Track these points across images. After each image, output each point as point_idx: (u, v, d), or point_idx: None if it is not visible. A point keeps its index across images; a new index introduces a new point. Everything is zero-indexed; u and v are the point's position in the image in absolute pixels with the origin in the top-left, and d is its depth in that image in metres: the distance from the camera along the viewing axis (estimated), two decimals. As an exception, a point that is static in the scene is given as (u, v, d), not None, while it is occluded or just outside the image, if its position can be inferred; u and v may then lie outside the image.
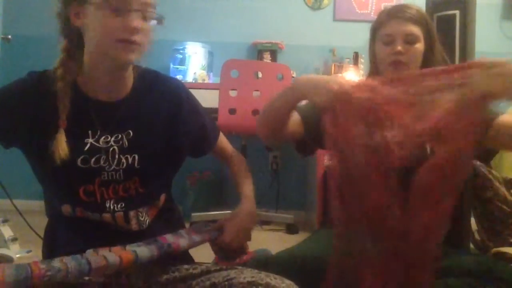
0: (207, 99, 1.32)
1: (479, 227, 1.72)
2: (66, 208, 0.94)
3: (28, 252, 1.93)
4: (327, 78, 1.04)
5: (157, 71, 1.08)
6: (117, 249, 0.85)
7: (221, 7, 3.36)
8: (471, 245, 1.70)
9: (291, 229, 2.73)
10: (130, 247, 0.85)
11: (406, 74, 1.12)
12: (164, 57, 3.14)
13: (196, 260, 1.05)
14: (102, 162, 0.93)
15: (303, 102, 1.18)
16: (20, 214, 1.79)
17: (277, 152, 3.17)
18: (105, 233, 0.93)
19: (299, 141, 1.29)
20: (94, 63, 0.94)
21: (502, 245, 1.51)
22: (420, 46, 1.27)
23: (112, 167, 0.94)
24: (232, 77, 2.63)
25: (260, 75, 2.71)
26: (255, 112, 2.53)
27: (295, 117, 1.24)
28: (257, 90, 2.63)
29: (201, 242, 0.98)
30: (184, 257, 1.03)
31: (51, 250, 1.00)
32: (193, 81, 3.05)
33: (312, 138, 1.24)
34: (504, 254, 1.36)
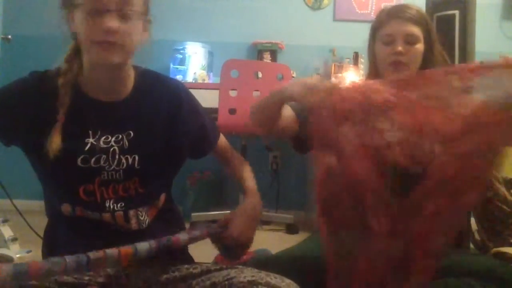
0: (207, 99, 1.32)
1: (479, 227, 1.72)
2: (66, 207, 0.94)
3: (28, 252, 1.93)
4: (315, 80, 1.04)
5: (157, 72, 1.08)
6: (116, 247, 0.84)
7: (221, 7, 3.36)
8: (471, 245, 1.70)
9: (291, 229, 2.73)
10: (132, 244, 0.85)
11: (407, 76, 1.11)
12: (164, 57, 3.14)
13: (196, 260, 1.05)
14: (102, 162, 0.93)
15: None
16: (20, 214, 1.79)
17: (277, 152, 3.17)
18: (105, 233, 0.93)
19: (295, 139, 1.30)
20: (89, 65, 0.95)
21: (502, 245, 1.51)
22: (420, 46, 1.27)
23: (112, 167, 0.94)
24: (232, 77, 2.63)
25: (260, 75, 2.72)
26: (255, 112, 2.52)
27: (289, 113, 1.25)
28: (257, 90, 2.63)
29: (202, 237, 0.97)
30: (184, 257, 1.03)
31: (51, 250, 1.00)
32: (193, 81, 3.05)
33: (306, 134, 1.25)
34: (504, 254, 1.35)
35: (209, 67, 3.19)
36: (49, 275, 0.74)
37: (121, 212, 0.94)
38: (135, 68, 1.03)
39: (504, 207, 1.65)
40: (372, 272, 0.93)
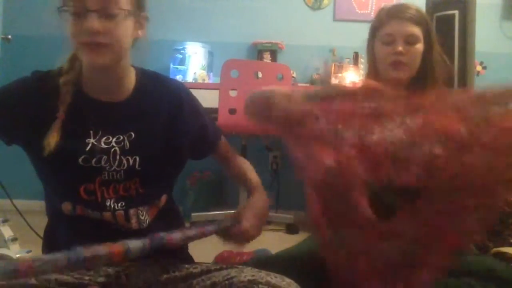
0: (207, 99, 1.32)
1: (479, 227, 1.72)
2: (66, 206, 0.94)
3: (28, 252, 1.93)
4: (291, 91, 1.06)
5: (157, 73, 1.08)
6: (109, 243, 0.80)
7: (221, 7, 3.36)
8: (471, 245, 1.70)
9: (291, 229, 2.73)
10: (125, 241, 0.81)
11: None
12: (164, 57, 3.14)
13: (196, 260, 1.05)
14: (103, 162, 0.93)
15: None
16: (20, 214, 1.79)
17: (277, 152, 3.17)
18: (105, 232, 0.93)
19: None
20: (83, 65, 0.96)
21: (502, 245, 1.51)
22: (420, 46, 1.28)
23: (113, 168, 0.94)
24: (232, 77, 2.63)
25: (260, 75, 2.72)
26: (255, 112, 2.52)
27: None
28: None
29: (197, 236, 0.93)
30: (184, 256, 1.03)
31: (51, 250, 1.00)
32: (193, 81, 3.05)
33: None
34: (504, 254, 1.35)
35: (209, 67, 3.19)
36: (39, 273, 0.73)
37: (122, 212, 0.94)
38: (136, 68, 1.03)
39: (504, 207, 1.65)
40: (372, 272, 0.93)
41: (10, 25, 2.53)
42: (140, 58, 1.02)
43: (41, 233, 1.05)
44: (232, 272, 0.87)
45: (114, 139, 0.95)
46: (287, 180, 3.19)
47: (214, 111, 2.53)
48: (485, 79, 3.26)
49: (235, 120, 2.56)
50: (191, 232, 0.92)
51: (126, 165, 0.95)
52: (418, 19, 1.27)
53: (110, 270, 0.94)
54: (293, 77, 3.06)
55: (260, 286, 0.81)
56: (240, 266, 0.91)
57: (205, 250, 1.02)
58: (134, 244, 0.81)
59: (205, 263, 0.99)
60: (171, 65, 3.14)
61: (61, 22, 0.91)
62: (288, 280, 0.85)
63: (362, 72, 3.05)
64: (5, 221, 2.02)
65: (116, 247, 0.79)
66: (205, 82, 3.08)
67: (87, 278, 0.91)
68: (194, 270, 0.93)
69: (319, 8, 3.41)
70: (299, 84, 3.11)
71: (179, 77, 3.03)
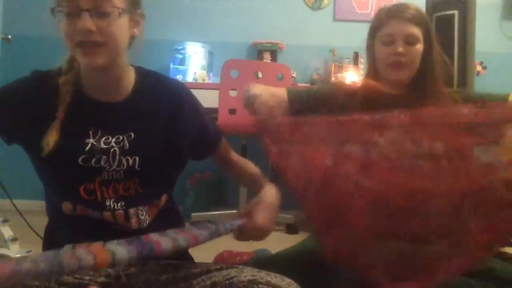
0: (207, 99, 1.32)
1: (479, 227, 1.72)
2: (67, 206, 0.94)
3: (28, 252, 1.93)
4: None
5: (157, 72, 1.08)
6: (96, 247, 0.77)
7: (221, 7, 3.36)
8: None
9: (291, 229, 2.73)
10: (111, 245, 0.78)
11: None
12: (164, 57, 3.14)
13: (196, 260, 1.05)
14: (102, 162, 0.93)
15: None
16: (20, 214, 1.79)
17: (277, 152, 3.17)
18: (105, 232, 0.93)
19: None
20: (81, 66, 0.96)
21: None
22: (420, 46, 1.28)
23: (113, 168, 0.94)
24: (232, 77, 2.63)
25: (260, 75, 2.71)
26: (255, 112, 2.53)
27: (283, 96, 1.31)
28: (257, 90, 2.62)
29: (191, 245, 0.86)
30: (184, 256, 1.03)
31: (51, 250, 1.00)
32: (193, 81, 3.05)
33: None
34: (504, 254, 1.35)
35: (209, 67, 3.20)
36: (18, 278, 0.68)
37: (121, 211, 0.94)
38: (135, 68, 1.03)
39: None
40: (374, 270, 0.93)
41: (10, 25, 2.53)
42: (137, 57, 1.02)
43: (41, 233, 1.05)
44: (232, 272, 0.87)
45: (114, 139, 0.95)
46: (287, 180, 3.18)
47: (214, 111, 2.53)
48: (485, 79, 3.26)
49: (235, 120, 2.56)
50: (183, 242, 0.85)
51: (125, 165, 0.94)
52: (418, 19, 1.27)
53: (110, 270, 0.93)
54: (293, 77, 3.06)
55: (260, 286, 0.81)
56: (240, 266, 0.91)
57: (205, 250, 1.02)
58: (121, 255, 0.76)
59: (205, 263, 0.99)
60: (171, 65, 3.15)
61: (57, 23, 0.91)
62: (288, 280, 0.85)
63: (362, 72, 3.05)
64: (5, 221, 2.02)
65: (101, 258, 0.74)
66: (205, 82, 3.08)
67: (87, 278, 0.91)
68: (194, 270, 0.93)
69: (319, 8, 3.41)
70: (299, 84, 3.11)
71: (179, 77, 3.03)
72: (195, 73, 3.11)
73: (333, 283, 1.07)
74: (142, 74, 1.03)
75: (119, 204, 0.94)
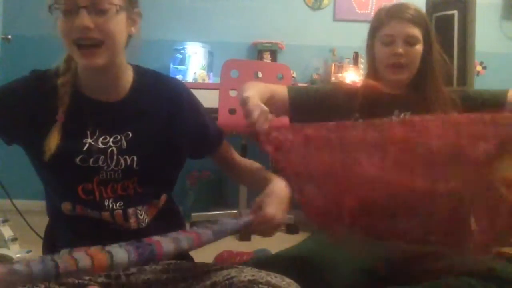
0: (207, 99, 1.32)
1: (479, 227, 1.72)
2: (66, 206, 0.94)
3: (28, 252, 1.93)
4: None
5: (156, 71, 1.07)
6: (94, 250, 0.75)
7: (221, 7, 3.36)
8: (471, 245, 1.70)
9: (291, 229, 2.73)
10: (111, 248, 0.76)
11: None
12: (164, 57, 3.14)
13: (196, 260, 1.05)
14: (100, 162, 0.93)
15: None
16: (20, 214, 1.79)
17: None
18: (104, 232, 0.93)
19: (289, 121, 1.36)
20: (79, 66, 0.95)
21: (502, 245, 1.51)
22: (419, 47, 1.28)
23: (111, 168, 0.94)
24: (232, 77, 2.63)
25: (260, 75, 2.71)
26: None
27: (284, 93, 1.32)
28: (257, 90, 2.62)
29: (194, 247, 0.84)
30: (184, 256, 1.03)
31: (51, 250, 1.00)
32: (193, 81, 3.05)
33: (297, 120, 1.33)
34: (504, 254, 1.35)
35: (209, 67, 3.19)
36: (9, 285, 0.66)
37: (120, 211, 0.94)
38: (133, 67, 1.02)
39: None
40: None
41: (10, 25, 2.53)
42: (135, 56, 1.01)
43: (41, 233, 1.05)
44: (232, 272, 0.87)
45: (112, 139, 0.95)
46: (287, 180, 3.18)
47: (214, 111, 2.53)
48: (485, 79, 3.26)
49: (235, 120, 2.55)
50: (186, 242, 0.82)
51: (123, 164, 0.94)
52: (417, 20, 1.27)
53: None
54: (293, 77, 3.06)
55: (260, 286, 0.81)
56: (240, 266, 0.91)
57: (205, 250, 1.02)
58: (120, 259, 0.74)
59: (205, 263, 0.99)
60: (171, 65, 3.15)
61: (54, 21, 0.90)
62: (288, 280, 0.85)
63: (362, 72, 3.05)
64: (5, 221, 2.02)
65: (98, 260, 0.72)
66: (205, 82, 3.08)
67: (87, 278, 0.91)
68: (194, 270, 0.93)
69: (319, 8, 3.42)
70: (299, 84, 3.11)
71: (179, 77, 3.03)
72: (195, 73, 3.11)
73: (333, 283, 1.07)
74: (141, 73, 1.02)
75: (117, 204, 0.94)
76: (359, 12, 3.39)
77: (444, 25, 1.67)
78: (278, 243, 1.41)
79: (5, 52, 2.44)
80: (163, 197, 1.02)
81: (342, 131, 0.97)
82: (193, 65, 3.13)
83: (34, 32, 2.72)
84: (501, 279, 1.00)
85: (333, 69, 3.25)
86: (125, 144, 0.95)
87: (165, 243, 0.79)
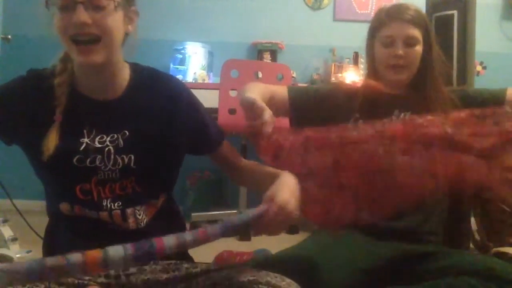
0: (207, 99, 1.32)
1: (479, 227, 1.72)
2: (64, 206, 0.94)
3: (28, 252, 1.93)
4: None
5: (154, 69, 1.05)
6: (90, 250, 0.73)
7: (221, 7, 3.36)
8: (471, 245, 1.70)
9: (291, 229, 2.73)
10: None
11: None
12: (164, 57, 3.14)
13: (196, 260, 1.05)
14: (97, 162, 0.92)
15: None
16: (20, 214, 1.79)
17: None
18: (103, 232, 0.93)
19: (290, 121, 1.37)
20: (75, 64, 0.95)
21: (502, 245, 1.51)
22: (419, 48, 1.28)
23: (108, 167, 0.93)
24: (232, 77, 2.63)
25: (260, 75, 2.71)
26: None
27: (284, 94, 1.32)
28: (257, 90, 2.62)
29: (198, 243, 0.78)
30: (184, 256, 1.02)
31: (50, 250, 1.00)
32: (193, 81, 3.05)
33: (298, 121, 1.34)
34: (504, 254, 1.35)
35: (209, 67, 3.20)
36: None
37: (118, 211, 0.94)
38: (130, 65, 1.01)
39: (504, 207, 1.65)
40: None
41: (10, 25, 2.53)
42: (132, 55, 1.00)
43: (41, 233, 1.05)
44: (232, 272, 0.87)
45: (108, 138, 0.94)
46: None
47: (214, 111, 2.53)
48: (485, 79, 3.26)
49: (235, 120, 2.55)
50: (189, 237, 0.77)
51: (121, 164, 0.94)
52: (417, 21, 1.27)
53: (110, 270, 0.93)
54: (293, 77, 3.06)
55: (260, 286, 0.81)
56: (240, 266, 0.91)
57: (205, 250, 1.02)
58: (115, 251, 0.70)
59: (205, 263, 0.99)
60: (171, 65, 3.15)
61: (51, 19, 0.89)
62: (288, 280, 0.85)
63: (362, 72, 3.05)
64: (5, 221, 2.03)
65: (91, 254, 0.69)
66: (205, 82, 3.09)
67: (87, 278, 0.91)
68: (194, 270, 0.93)
69: (319, 8, 3.42)
70: (299, 84, 3.11)
71: (179, 77, 3.03)
72: (195, 73, 3.11)
73: (333, 283, 1.07)
74: (138, 71, 1.01)
75: (115, 204, 0.94)
76: (359, 12, 3.39)
77: (444, 25, 1.67)
78: (278, 243, 1.41)
79: (5, 52, 2.45)
80: (162, 197, 1.02)
81: (342, 132, 0.98)
82: (193, 65, 3.13)
83: (34, 32, 2.72)
84: (501, 279, 1.00)
85: (333, 69, 3.25)
86: (122, 143, 0.94)
87: (166, 237, 0.75)
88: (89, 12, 0.86)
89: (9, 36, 2.31)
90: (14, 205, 1.80)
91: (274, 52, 3.29)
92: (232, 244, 2.25)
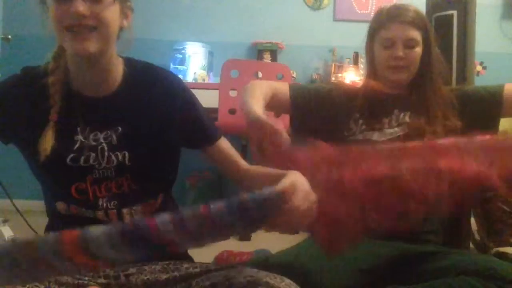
0: (207, 99, 1.32)
1: (479, 227, 1.72)
2: (60, 205, 0.94)
3: (28, 252, 1.93)
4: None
5: (149, 63, 1.04)
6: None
7: (221, 7, 3.36)
8: (471, 245, 1.70)
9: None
10: None
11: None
12: (164, 57, 3.14)
13: (196, 260, 1.05)
14: (91, 161, 0.92)
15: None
16: (20, 214, 1.79)
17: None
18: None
19: (290, 119, 1.38)
20: (71, 58, 0.93)
21: (502, 245, 1.51)
22: (419, 49, 1.29)
23: (103, 165, 0.92)
24: (232, 77, 2.63)
25: (260, 75, 2.71)
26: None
27: (285, 92, 1.33)
28: (257, 90, 2.62)
29: (197, 216, 0.63)
30: (184, 256, 1.02)
31: None
32: (193, 81, 3.05)
33: (298, 120, 1.35)
34: (504, 254, 1.36)
35: (209, 67, 3.19)
36: None
37: (114, 210, 0.94)
38: (124, 60, 1.00)
39: (504, 207, 1.65)
40: None
41: (10, 25, 2.53)
42: (127, 51, 0.99)
43: (41, 233, 1.04)
44: (232, 273, 0.86)
45: (102, 135, 0.93)
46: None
47: (214, 111, 2.53)
48: (485, 79, 3.26)
49: (235, 120, 2.55)
50: (189, 213, 0.63)
51: (115, 161, 0.93)
52: (417, 22, 1.27)
53: (110, 270, 0.93)
54: (293, 77, 3.06)
55: (260, 287, 0.81)
56: (240, 267, 0.91)
57: (205, 250, 1.02)
58: (96, 229, 0.62)
59: (204, 263, 0.99)
60: (171, 65, 3.14)
61: (46, 17, 0.88)
62: (287, 281, 0.84)
63: (362, 72, 3.05)
64: (5, 221, 2.02)
65: (68, 234, 0.62)
66: (205, 82, 3.08)
67: (86, 278, 0.91)
68: (194, 270, 0.93)
69: (319, 8, 3.41)
70: (299, 84, 3.11)
71: (179, 77, 3.03)
72: (195, 73, 3.11)
73: (333, 283, 1.07)
74: (132, 66, 1.00)
75: (111, 203, 0.93)
76: (359, 12, 3.39)
77: (444, 25, 1.67)
78: (278, 243, 1.41)
79: (5, 52, 2.45)
80: (161, 197, 1.02)
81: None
82: (193, 65, 3.13)
83: (34, 32, 2.72)
84: (501, 279, 1.00)
85: (333, 69, 3.25)
86: (115, 139, 0.93)
87: (160, 216, 0.63)
88: (87, 3, 0.85)
89: (9, 36, 2.31)
90: (14, 205, 1.80)
91: (274, 52, 3.28)
92: (232, 244, 2.25)
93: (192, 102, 1.05)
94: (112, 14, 0.89)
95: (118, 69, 0.98)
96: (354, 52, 3.16)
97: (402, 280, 1.09)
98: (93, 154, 0.92)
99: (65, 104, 0.93)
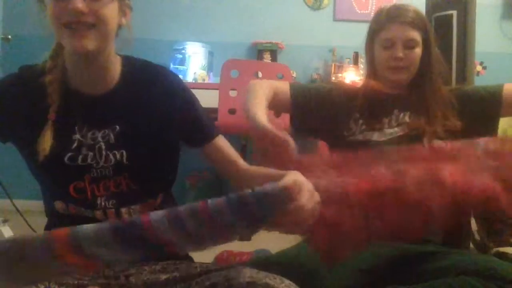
0: (207, 99, 1.32)
1: (479, 227, 1.72)
2: (59, 205, 0.94)
3: (28, 252, 1.93)
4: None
5: (148, 61, 1.04)
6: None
7: (221, 7, 3.36)
8: (471, 245, 1.70)
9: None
10: None
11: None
12: (164, 57, 3.14)
13: (196, 260, 1.05)
14: (89, 160, 0.91)
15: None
16: (20, 214, 1.80)
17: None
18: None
19: (291, 118, 1.38)
20: (68, 56, 0.93)
21: (502, 245, 1.51)
22: (419, 50, 1.29)
23: (101, 164, 0.92)
24: (232, 77, 2.63)
25: (260, 75, 2.71)
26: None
27: (286, 91, 1.33)
28: (257, 90, 2.62)
29: (194, 212, 0.66)
30: (183, 257, 1.02)
31: None
32: (193, 81, 3.06)
33: (299, 119, 1.35)
34: (504, 254, 1.36)
35: (209, 67, 3.20)
36: None
37: (113, 210, 0.93)
38: (122, 58, 0.99)
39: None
40: None
41: (10, 25, 2.54)
42: (127, 49, 0.99)
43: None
44: (232, 273, 0.86)
45: (100, 134, 0.93)
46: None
47: (214, 111, 2.53)
48: (485, 79, 3.26)
49: (235, 120, 2.55)
50: (186, 209, 0.65)
51: (113, 160, 0.92)
52: (417, 23, 1.27)
53: (109, 271, 0.93)
54: (293, 77, 3.06)
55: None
56: (240, 267, 0.90)
57: (205, 250, 1.02)
58: (86, 228, 0.59)
59: (204, 263, 0.99)
60: (171, 65, 3.15)
61: (44, 15, 0.88)
62: (287, 281, 0.84)
63: (362, 72, 3.05)
64: (5, 221, 2.02)
65: (58, 233, 0.61)
66: (205, 82, 3.09)
67: (87, 279, 0.91)
68: (194, 271, 0.93)
69: (319, 8, 3.41)
70: (299, 84, 3.11)
71: (179, 77, 3.03)
72: (195, 73, 3.11)
73: (333, 283, 1.07)
74: (130, 64, 0.99)
75: (110, 203, 0.93)
76: (359, 12, 3.39)
77: (444, 25, 1.67)
78: (278, 243, 1.41)
79: (5, 52, 2.45)
80: (160, 196, 1.01)
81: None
82: (193, 65, 3.13)
83: (34, 32, 2.73)
84: (501, 279, 1.00)
85: (333, 69, 3.25)
86: (113, 138, 0.93)
87: (155, 212, 0.62)
88: (85, 1, 0.84)
89: (9, 36, 2.31)
90: (14, 205, 1.80)
91: (274, 52, 3.28)
92: (232, 244, 2.25)
93: (191, 102, 1.04)
94: (110, 11, 0.88)
95: (116, 67, 0.97)
96: (354, 52, 3.16)
97: (402, 280, 1.09)
98: (91, 153, 0.91)
99: (63, 103, 0.92)
